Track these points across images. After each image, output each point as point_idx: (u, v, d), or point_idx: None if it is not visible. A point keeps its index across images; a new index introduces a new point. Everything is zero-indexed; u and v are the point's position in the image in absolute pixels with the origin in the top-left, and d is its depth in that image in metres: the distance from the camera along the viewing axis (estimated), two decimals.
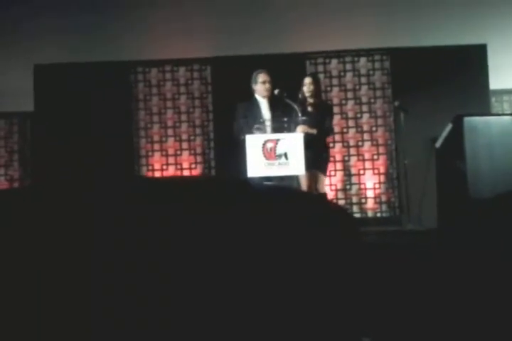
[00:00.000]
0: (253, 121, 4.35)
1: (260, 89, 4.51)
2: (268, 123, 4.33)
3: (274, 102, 4.51)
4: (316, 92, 4.63)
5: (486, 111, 5.67)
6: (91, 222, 0.95)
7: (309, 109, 4.61)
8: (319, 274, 0.97)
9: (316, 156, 4.46)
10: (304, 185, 4.43)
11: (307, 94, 4.59)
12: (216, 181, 1.25)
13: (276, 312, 0.95)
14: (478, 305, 1.85)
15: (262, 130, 4.27)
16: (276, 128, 4.31)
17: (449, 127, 3.97)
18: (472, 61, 5.89)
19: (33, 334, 0.91)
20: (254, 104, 4.51)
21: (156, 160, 6.15)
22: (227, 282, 0.94)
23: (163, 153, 6.15)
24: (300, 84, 4.65)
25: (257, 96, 4.55)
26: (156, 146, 6.16)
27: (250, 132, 4.23)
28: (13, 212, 0.97)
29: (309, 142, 4.30)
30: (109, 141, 5.78)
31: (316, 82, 4.67)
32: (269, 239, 0.95)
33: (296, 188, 4.14)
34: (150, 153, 6.16)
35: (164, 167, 6.13)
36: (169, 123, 6.18)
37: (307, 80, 4.63)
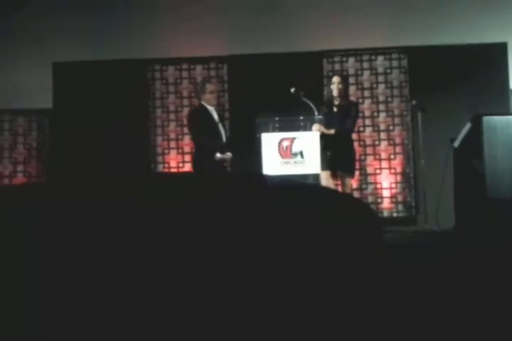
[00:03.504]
0: (210, 128, 4.66)
1: (208, 98, 4.76)
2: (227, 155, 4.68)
3: (217, 110, 5.00)
4: (344, 92, 4.58)
5: (506, 111, 5.59)
6: (104, 220, 0.95)
7: (335, 108, 4.57)
8: (340, 272, 0.97)
9: (341, 156, 4.43)
10: (325, 185, 4.41)
11: (334, 94, 4.54)
12: (238, 177, 1.25)
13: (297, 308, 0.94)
14: (495, 306, 1.82)
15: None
16: (292, 127, 4.30)
17: (467, 126, 3.92)
18: (492, 60, 5.81)
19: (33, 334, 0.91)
20: (207, 113, 4.75)
21: (173, 158, 6.17)
22: (250, 279, 0.93)
23: (180, 150, 6.17)
24: (323, 83, 4.62)
25: (204, 104, 4.78)
26: (173, 144, 6.19)
27: (210, 139, 4.59)
28: (25, 208, 0.97)
29: (333, 142, 4.29)
30: (126, 138, 5.82)
31: (344, 81, 4.62)
32: (288, 236, 0.95)
33: (318, 185, 4.13)
34: (166, 151, 6.19)
35: (180, 165, 6.15)
36: (185, 121, 6.20)
37: (335, 79, 4.57)
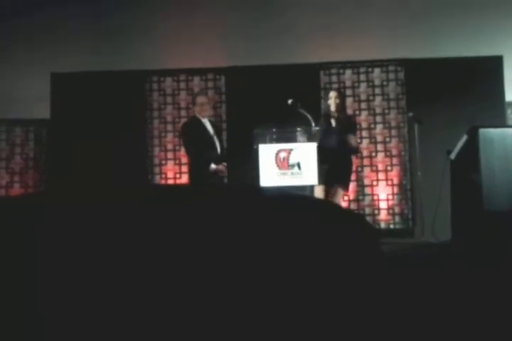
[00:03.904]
0: (204, 140, 4.68)
1: (199, 110, 4.78)
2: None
3: (212, 121, 5.02)
4: (341, 107, 4.66)
5: (502, 123, 5.62)
6: (104, 222, 0.95)
7: (333, 123, 4.62)
8: (335, 283, 0.97)
9: (337, 170, 4.46)
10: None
11: (332, 109, 4.61)
12: (232, 188, 1.25)
13: (286, 316, 0.94)
14: (492, 318, 1.82)
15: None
16: (290, 139, 4.32)
17: (464, 139, 3.94)
18: (488, 73, 5.85)
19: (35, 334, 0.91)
20: (200, 124, 4.76)
21: (170, 169, 6.17)
22: (239, 286, 0.94)
23: (177, 161, 6.17)
24: (319, 96, 4.68)
25: (197, 116, 4.80)
26: (170, 155, 6.19)
27: (204, 151, 4.60)
28: (24, 218, 0.97)
29: (332, 155, 4.32)
30: (123, 149, 5.82)
31: (341, 96, 4.72)
32: (282, 245, 0.95)
33: (312, 197, 4.14)
34: (163, 162, 6.19)
35: (177, 176, 6.15)
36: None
37: (332, 94, 4.67)
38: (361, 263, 1.02)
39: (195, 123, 4.78)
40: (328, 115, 4.65)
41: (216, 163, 4.63)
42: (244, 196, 1.08)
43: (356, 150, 4.87)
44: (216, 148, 4.73)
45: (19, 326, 0.91)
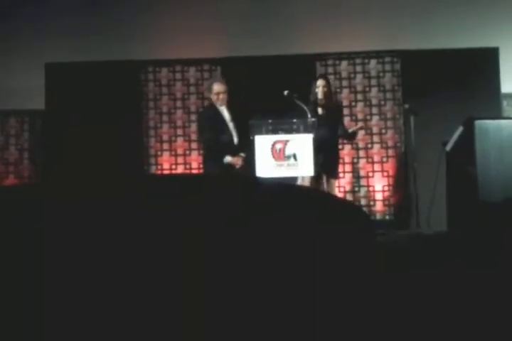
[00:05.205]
0: (219, 130, 4.45)
1: (215, 99, 4.56)
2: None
3: (232, 109, 4.63)
4: (329, 94, 4.65)
5: (497, 115, 5.63)
6: (99, 222, 0.94)
7: (320, 111, 4.61)
8: (333, 274, 0.97)
9: (326, 159, 4.45)
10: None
11: (319, 96, 4.59)
12: (228, 178, 1.25)
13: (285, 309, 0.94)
14: (487, 309, 1.83)
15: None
16: (286, 130, 4.31)
17: (459, 130, 3.95)
18: (484, 64, 5.85)
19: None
20: (216, 112, 4.54)
21: (165, 160, 6.16)
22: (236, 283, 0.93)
23: (173, 152, 6.16)
24: (311, 86, 4.66)
25: (215, 104, 4.59)
26: (166, 146, 6.17)
27: (219, 141, 4.39)
28: (19, 209, 0.96)
29: (319, 145, 4.30)
30: (118, 140, 5.80)
31: (328, 84, 4.69)
32: (279, 237, 0.95)
33: (310, 187, 4.14)
34: (159, 153, 6.17)
35: (173, 167, 6.14)
36: (179, 123, 6.19)
37: (320, 82, 4.64)
38: (361, 259, 1.03)
39: (209, 112, 4.63)
40: (315, 103, 4.61)
41: (232, 155, 4.46)
42: (241, 188, 1.07)
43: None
44: (233, 139, 4.53)
45: (18, 324, 0.90)
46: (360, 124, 5.57)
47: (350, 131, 4.74)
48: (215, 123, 4.50)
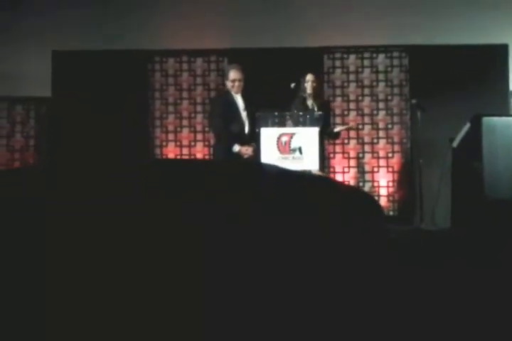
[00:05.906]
0: (231, 118, 4.33)
1: (230, 86, 4.42)
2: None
3: (247, 97, 4.46)
4: (318, 90, 4.68)
5: (505, 112, 5.60)
6: (102, 209, 0.93)
7: (310, 106, 4.60)
8: (343, 269, 0.96)
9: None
10: None
11: (308, 91, 4.58)
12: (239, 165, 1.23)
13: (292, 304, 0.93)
14: (491, 306, 1.82)
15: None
16: (292, 123, 4.29)
17: (466, 126, 3.93)
18: (493, 61, 5.81)
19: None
20: (230, 100, 4.41)
21: (171, 151, 6.16)
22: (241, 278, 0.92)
23: (178, 143, 6.15)
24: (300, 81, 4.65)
25: (230, 91, 4.45)
26: (171, 136, 6.17)
27: (229, 129, 4.29)
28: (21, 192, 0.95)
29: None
30: (124, 129, 5.79)
31: (318, 80, 4.72)
32: (288, 225, 0.93)
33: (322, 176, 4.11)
34: (164, 143, 6.17)
35: (178, 157, 6.13)
36: (184, 113, 6.18)
37: (310, 77, 4.62)
38: (374, 252, 1.01)
39: (223, 98, 4.52)
40: (303, 98, 4.60)
41: (242, 144, 4.33)
42: (246, 177, 1.06)
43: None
44: (244, 128, 4.39)
45: (18, 323, 0.90)
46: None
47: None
48: (227, 111, 4.38)
